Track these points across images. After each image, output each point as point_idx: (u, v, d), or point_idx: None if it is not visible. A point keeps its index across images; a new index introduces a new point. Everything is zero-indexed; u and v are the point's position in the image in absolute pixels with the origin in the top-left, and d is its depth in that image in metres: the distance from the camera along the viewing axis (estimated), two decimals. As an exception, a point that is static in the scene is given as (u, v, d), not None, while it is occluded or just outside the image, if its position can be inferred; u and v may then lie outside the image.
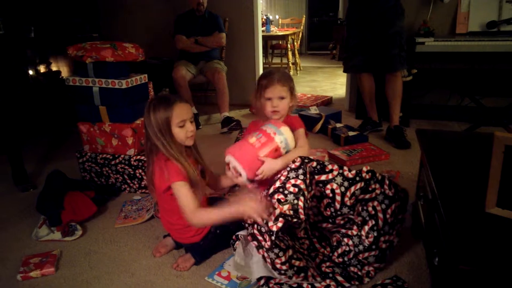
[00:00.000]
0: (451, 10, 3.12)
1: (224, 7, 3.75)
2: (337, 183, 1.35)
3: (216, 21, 3.43)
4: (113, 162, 2.13)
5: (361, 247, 1.39)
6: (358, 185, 1.35)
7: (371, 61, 2.81)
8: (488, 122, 2.82)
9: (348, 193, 1.35)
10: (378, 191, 1.35)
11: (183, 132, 1.39)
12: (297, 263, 1.28)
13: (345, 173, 1.36)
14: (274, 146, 1.45)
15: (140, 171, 2.11)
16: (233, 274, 1.45)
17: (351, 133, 2.82)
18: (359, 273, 1.39)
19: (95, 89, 2.06)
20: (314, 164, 1.38)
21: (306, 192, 1.28)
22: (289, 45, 5.68)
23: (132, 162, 2.11)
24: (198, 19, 3.39)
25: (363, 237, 1.37)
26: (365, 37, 2.75)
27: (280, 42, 6.32)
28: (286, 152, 1.48)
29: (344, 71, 3.11)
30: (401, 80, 2.80)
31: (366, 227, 1.37)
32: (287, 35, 5.57)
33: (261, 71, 4.11)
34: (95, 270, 1.54)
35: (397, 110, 2.85)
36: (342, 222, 1.42)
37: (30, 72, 3.35)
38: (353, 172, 1.37)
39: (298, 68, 6.33)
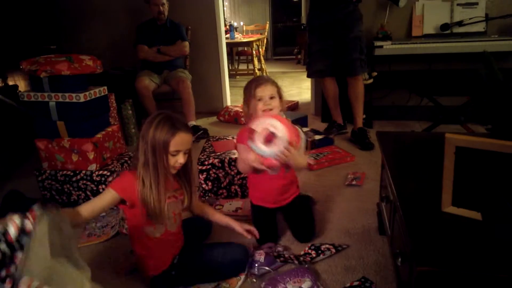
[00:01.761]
0: (406, 13, 3.24)
1: (186, 16, 3.72)
2: None
3: (178, 30, 3.40)
4: (74, 179, 2.05)
5: None
6: None
7: (333, 66, 2.86)
8: (447, 120, 2.93)
9: None
10: None
11: (172, 161, 1.31)
12: None
13: None
14: (300, 137, 1.44)
15: (104, 186, 2.05)
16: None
17: (317, 137, 2.86)
18: None
19: (52, 104, 1.98)
20: None
21: None
22: (254, 51, 5.71)
23: (94, 178, 2.04)
24: (160, 28, 3.35)
25: None
26: (326, 43, 2.80)
27: (246, 49, 6.35)
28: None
29: (307, 76, 3.16)
30: (362, 83, 2.87)
31: None
32: (251, 42, 5.60)
33: (227, 78, 4.11)
34: (57, 294, 1.47)
35: (360, 113, 2.92)
36: None
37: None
38: None
39: (264, 74, 6.36)
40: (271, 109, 1.55)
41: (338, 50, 2.77)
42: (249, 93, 1.58)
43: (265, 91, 1.55)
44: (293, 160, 1.45)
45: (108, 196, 1.30)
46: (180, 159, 1.32)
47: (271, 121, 1.39)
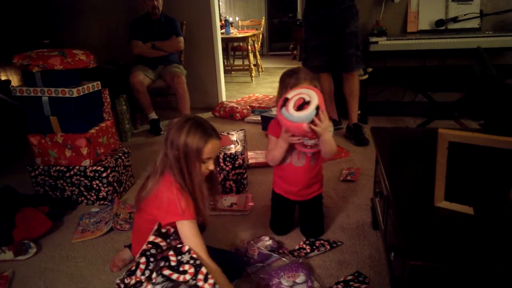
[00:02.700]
0: (401, 9, 3.24)
1: (181, 10, 3.70)
2: None
3: (173, 25, 3.37)
4: (67, 174, 2.04)
5: None
6: None
7: (329, 62, 2.86)
8: (441, 116, 2.95)
9: None
10: None
11: (203, 168, 1.29)
12: None
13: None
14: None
15: (97, 182, 2.04)
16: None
17: (312, 133, 2.85)
18: None
19: (45, 99, 1.96)
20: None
21: None
22: (249, 47, 5.69)
23: (88, 173, 2.02)
24: (154, 23, 3.33)
25: None
26: (323, 38, 2.80)
27: (241, 44, 6.32)
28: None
29: (303, 72, 3.15)
30: (358, 79, 2.87)
31: None
32: (247, 37, 5.58)
33: (222, 74, 4.09)
34: (51, 290, 1.47)
35: (355, 108, 2.92)
36: None
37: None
38: None
39: (259, 69, 6.35)
40: None
41: (334, 45, 2.77)
42: (285, 89, 1.53)
43: None
44: (323, 133, 1.40)
45: (196, 227, 1.25)
46: (210, 165, 1.30)
47: (305, 90, 1.39)
